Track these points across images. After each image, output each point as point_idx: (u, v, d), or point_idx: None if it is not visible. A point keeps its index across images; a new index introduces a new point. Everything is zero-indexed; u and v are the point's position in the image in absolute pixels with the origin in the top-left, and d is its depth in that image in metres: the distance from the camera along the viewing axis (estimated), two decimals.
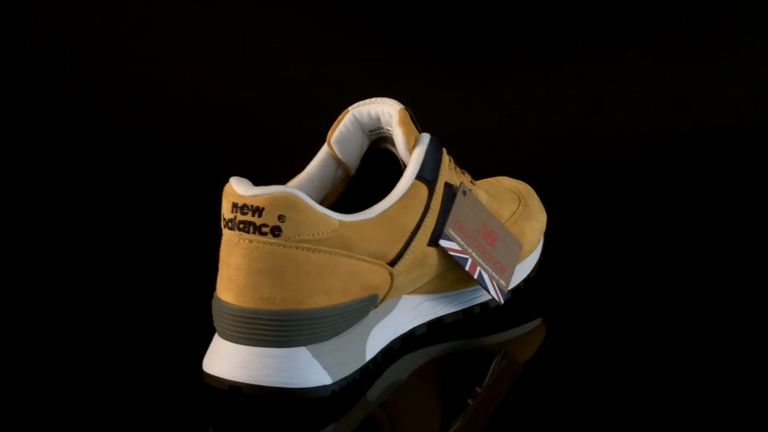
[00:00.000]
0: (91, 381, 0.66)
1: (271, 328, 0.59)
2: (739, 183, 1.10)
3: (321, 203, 0.70)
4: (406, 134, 0.66)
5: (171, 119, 1.16)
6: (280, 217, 0.58)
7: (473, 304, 0.73)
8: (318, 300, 0.60)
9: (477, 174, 0.75)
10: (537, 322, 0.74)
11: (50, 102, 1.17)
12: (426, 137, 0.66)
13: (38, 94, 1.18)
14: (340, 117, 0.69)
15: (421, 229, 0.65)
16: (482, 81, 1.22)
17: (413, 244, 0.65)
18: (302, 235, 0.59)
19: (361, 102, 0.69)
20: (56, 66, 1.18)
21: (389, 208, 0.63)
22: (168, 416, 0.62)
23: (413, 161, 0.65)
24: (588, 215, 0.81)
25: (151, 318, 0.75)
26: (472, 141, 1.09)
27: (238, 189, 0.59)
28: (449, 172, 0.68)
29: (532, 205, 0.78)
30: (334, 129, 0.69)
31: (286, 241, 0.59)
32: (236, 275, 0.60)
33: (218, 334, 0.62)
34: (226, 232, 0.60)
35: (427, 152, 0.65)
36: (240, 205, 0.59)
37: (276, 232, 0.58)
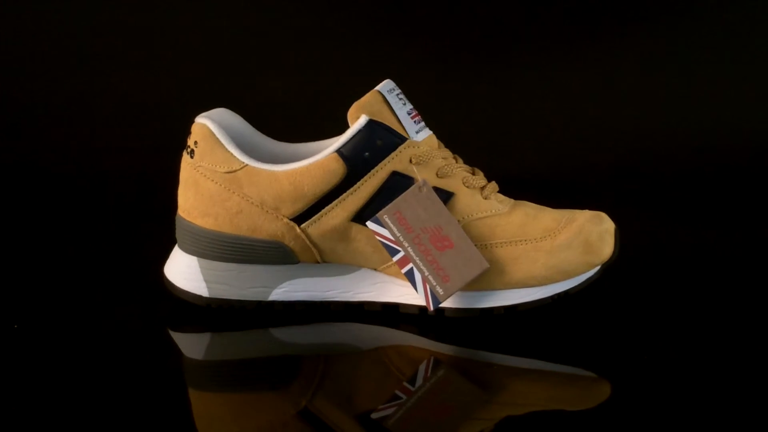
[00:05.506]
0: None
1: (179, 232, 0.72)
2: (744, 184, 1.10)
3: None
4: (351, 112, 0.69)
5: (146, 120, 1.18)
6: (195, 143, 0.71)
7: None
8: (207, 221, 0.71)
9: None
10: (489, 351, 0.69)
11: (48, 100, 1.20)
12: (363, 120, 0.68)
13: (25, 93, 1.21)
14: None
15: (337, 202, 0.68)
16: (483, 81, 1.21)
17: (326, 213, 0.69)
18: (204, 162, 0.70)
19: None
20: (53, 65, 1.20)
21: (291, 168, 0.69)
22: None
23: (341, 137, 0.68)
24: None
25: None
26: (472, 141, 0.95)
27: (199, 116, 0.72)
28: (406, 163, 0.68)
29: (565, 243, 0.68)
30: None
31: (193, 162, 0.71)
32: None
33: None
34: None
35: (358, 132, 0.68)
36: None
37: (192, 154, 0.71)
